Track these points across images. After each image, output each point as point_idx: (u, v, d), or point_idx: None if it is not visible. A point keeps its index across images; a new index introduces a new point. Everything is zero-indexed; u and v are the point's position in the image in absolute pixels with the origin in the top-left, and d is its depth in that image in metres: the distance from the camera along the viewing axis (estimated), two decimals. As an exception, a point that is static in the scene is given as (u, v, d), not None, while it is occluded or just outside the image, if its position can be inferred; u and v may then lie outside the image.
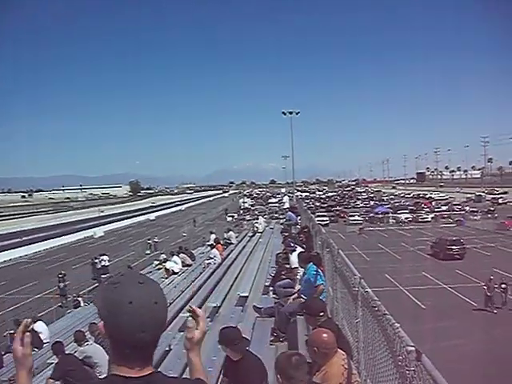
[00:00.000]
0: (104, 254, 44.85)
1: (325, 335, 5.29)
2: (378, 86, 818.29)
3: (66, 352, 10.92)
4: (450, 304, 31.28)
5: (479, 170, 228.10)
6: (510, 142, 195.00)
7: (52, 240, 73.19)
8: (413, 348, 3.88)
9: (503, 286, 30.92)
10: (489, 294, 30.31)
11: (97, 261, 43.45)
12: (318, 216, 73.21)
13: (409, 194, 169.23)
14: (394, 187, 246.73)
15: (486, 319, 28.14)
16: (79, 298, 29.14)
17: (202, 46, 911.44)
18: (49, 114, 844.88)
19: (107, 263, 43.74)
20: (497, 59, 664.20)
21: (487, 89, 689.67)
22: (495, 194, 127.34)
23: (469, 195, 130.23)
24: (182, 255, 28.90)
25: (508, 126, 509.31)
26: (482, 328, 26.31)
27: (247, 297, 15.17)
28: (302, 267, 11.44)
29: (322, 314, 6.89)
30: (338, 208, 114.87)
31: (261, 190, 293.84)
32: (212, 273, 22.14)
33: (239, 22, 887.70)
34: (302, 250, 13.77)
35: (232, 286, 17.92)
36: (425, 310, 30.32)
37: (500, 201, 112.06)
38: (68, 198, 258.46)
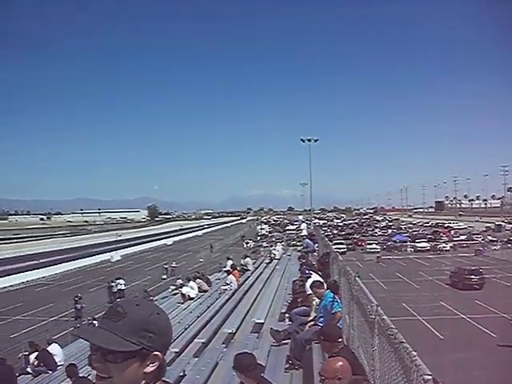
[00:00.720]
0: (120, 278, 45.13)
1: (339, 363, 5.22)
2: (396, 113, 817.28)
3: (80, 375, 10.89)
4: (469, 335, 30.87)
5: (499, 199, 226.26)
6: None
7: (69, 263, 73.38)
8: (430, 377, 3.82)
9: None
10: None
11: (113, 284, 43.66)
12: (336, 243, 72.78)
13: (427, 223, 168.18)
14: (410, 216, 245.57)
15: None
16: (94, 322, 29.08)
17: (221, 72, 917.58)
18: (68, 137, 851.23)
19: (123, 287, 43.94)
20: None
21: (507, 117, 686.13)
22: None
23: (488, 224, 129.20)
24: (198, 281, 28.82)
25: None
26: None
27: (263, 323, 15.10)
28: (315, 294, 11.40)
29: (339, 340, 6.82)
30: (355, 236, 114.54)
31: (278, 216, 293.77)
32: (228, 299, 22.10)
33: (256, 44, 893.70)
34: (319, 277, 13.71)
35: (248, 312, 17.87)
36: (443, 340, 29.92)
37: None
38: (86, 222, 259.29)
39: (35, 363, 16.40)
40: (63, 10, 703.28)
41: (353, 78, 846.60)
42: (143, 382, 1.98)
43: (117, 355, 1.91)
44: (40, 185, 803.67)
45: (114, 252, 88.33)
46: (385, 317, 5.87)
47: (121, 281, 44.80)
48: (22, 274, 61.02)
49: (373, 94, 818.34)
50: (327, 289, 10.77)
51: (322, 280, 12.83)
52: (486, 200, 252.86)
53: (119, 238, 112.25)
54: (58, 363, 16.32)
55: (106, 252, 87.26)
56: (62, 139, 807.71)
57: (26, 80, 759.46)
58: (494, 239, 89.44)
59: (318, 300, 11.24)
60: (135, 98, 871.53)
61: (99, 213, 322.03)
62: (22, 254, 73.20)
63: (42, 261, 68.85)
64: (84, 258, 79.35)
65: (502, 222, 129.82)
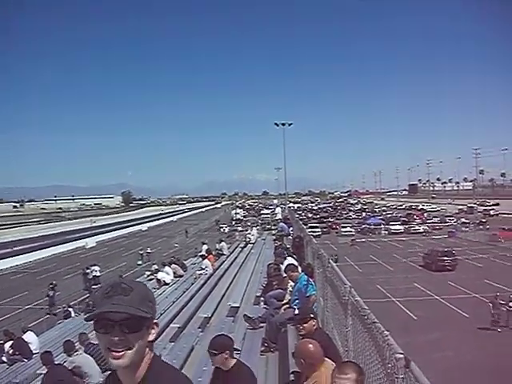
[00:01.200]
0: (95, 265, 44.83)
1: (310, 346, 5.27)
2: (369, 97, 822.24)
3: (56, 362, 10.85)
4: (441, 315, 31.24)
5: (471, 181, 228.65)
6: (502, 153, 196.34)
7: (43, 250, 72.65)
8: (401, 355, 3.87)
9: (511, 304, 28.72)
10: (493, 312, 28.35)
11: (88, 271, 43.34)
12: (310, 227, 73.20)
13: (401, 206, 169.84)
14: (383, 199, 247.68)
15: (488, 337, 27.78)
16: (70, 309, 28.91)
17: (194, 57, 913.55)
18: (41, 124, 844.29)
19: (98, 274, 43.65)
20: (489, 72, 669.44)
21: (479, 101, 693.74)
22: (487, 206, 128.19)
23: (460, 207, 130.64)
24: (173, 266, 28.76)
25: (499, 137, 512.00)
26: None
27: (238, 307, 15.16)
28: (289, 277, 11.46)
29: (314, 322, 6.87)
30: (330, 219, 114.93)
31: (253, 201, 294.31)
32: (203, 283, 22.13)
33: (230, 34, 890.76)
34: (293, 260, 13.78)
35: (223, 296, 17.92)
36: (416, 321, 30.26)
37: (491, 212, 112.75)
38: (60, 209, 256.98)
39: (10, 352, 16.26)
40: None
41: (327, 62, 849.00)
42: (147, 349, 2.20)
43: (137, 324, 2.10)
44: (13, 172, 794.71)
45: (89, 238, 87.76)
46: (358, 298, 5.93)
47: (96, 267, 44.52)
48: (-4, 262, 60.46)
49: (347, 78, 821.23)
50: (302, 272, 10.81)
51: (297, 263, 12.89)
52: (458, 182, 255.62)
53: (94, 225, 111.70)
54: (34, 351, 16.19)
55: (80, 239, 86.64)
56: (35, 126, 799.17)
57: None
58: (467, 221, 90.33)
59: (292, 283, 11.30)
60: (109, 84, 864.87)
61: (73, 199, 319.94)
62: (-6, 242, 72.57)
63: (15, 248, 68.28)
64: (58, 245, 78.65)
65: (474, 204, 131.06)
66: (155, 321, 2.22)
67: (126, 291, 2.11)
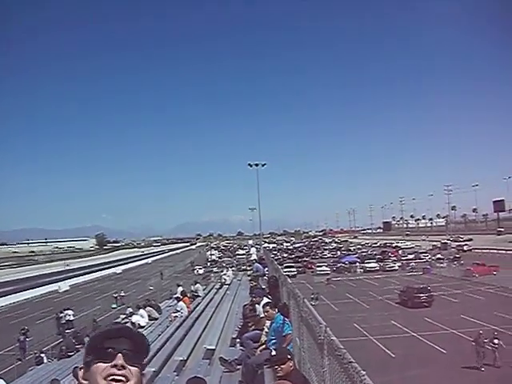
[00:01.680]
0: (69, 309, 44.30)
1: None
2: (342, 136, 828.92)
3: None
4: (419, 352, 31.21)
5: (444, 217, 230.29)
6: (473, 189, 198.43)
7: (15, 294, 71.44)
8: (378, 396, 3.84)
9: (495, 341, 28.53)
10: (478, 350, 28.04)
11: (62, 315, 42.79)
12: (286, 267, 73.38)
13: (376, 243, 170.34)
14: (356, 237, 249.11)
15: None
16: (42, 355, 28.36)
17: (168, 99, 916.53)
18: (12, 165, 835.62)
19: (72, 318, 43.13)
20: (459, 108, 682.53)
21: (449, 137, 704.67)
22: (460, 241, 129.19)
23: (434, 243, 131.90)
24: (148, 308, 28.51)
25: (470, 174, 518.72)
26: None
27: (214, 349, 15.02)
28: (266, 314, 11.36)
29: (290, 363, 6.80)
30: (305, 259, 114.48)
31: (228, 242, 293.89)
32: (178, 326, 21.91)
33: (206, 69, 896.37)
34: (268, 300, 13.71)
35: (199, 338, 17.76)
36: (394, 358, 30.17)
37: (465, 248, 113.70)
38: (33, 252, 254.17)
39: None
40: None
41: (297, 101, 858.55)
42: None
43: (138, 358, 2.16)
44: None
45: (62, 282, 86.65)
46: (334, 337, 5.89)
47: (69, 311, 43.96)
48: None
49: (317, 117, 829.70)
50: (278, 312, 10.76)
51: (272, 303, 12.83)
52: (431, 219, 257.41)
53: (67, 268, 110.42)
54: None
55: (53, 282, 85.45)
56: (5, 167, 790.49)
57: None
58: (441, 257, 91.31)
59: (268, 323, 11.21)
60: (81, 124, 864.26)
61: (46, 243, 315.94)
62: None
63: (-14, 293, 67.08)
64: (31, 289, 77.34)
65: (448, 240, 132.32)
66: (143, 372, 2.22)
67: (130, 329, 2.22)
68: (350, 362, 4.86)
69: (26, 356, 32.43)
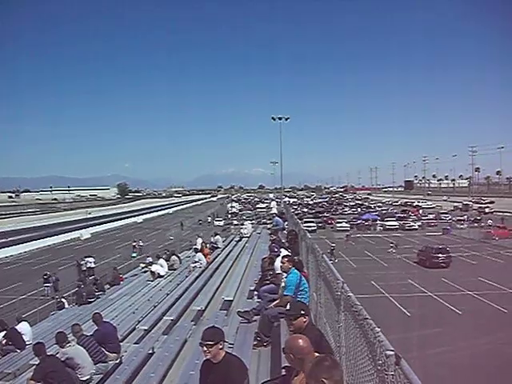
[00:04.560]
0: (90, 256, 44.84)
1: (300, 341, 5.24)
2: (368, 94, 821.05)
3: (48, 353, 10.83)
4: (435, 312, 31.30)
5: (466, 179, 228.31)
6: (498, 151, 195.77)
7: (38, 241, 72.62)
8: (392, 352, 3.86)
9: None
10: None
11: (82, 263, 43.41)
12: (306, 222, 73.45)
13: (396, 202, 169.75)
14: (379, 194, 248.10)
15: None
16: (63, 300, 28.85)
17: (193, 52, 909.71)
18: (40, 116, 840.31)
19: (93, 265, 43.72)
20: (486, 71, 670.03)
21: (476, 99, 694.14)
22: (482, 203, 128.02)
23: (456, 204, 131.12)
24: (170, 258, 28.79)
25: (495, 136, 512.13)
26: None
27: (232, 301, 15.15)
28: (282, 265, 11.37)
29: (303, 319, 6.83)
30: (325, 214, 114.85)
31: (249, 195, 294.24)
32: (197, 276, 22.12)
33: (228, 28, 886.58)
34: (288, 253, 13.75)
35: (217, 290, 17.92)
36: (410, 317, 30.29)
37: (486, 210, 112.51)
38: (55, 199, 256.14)
39: (3, 342, 16.19)
40: None
41: (325, 59, 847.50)
42: None
43: None
44: (10, 162, 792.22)
45: (84, 230, 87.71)
46: (350, 293, 5.92)
47: (90, 259, 44.57)
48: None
49: (345, 74, 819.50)
50: (293, 266, 10.78)
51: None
52: (454, 180, 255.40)
53: (89, 216, 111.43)
54: (27, 342, 16.12)
55: (75, 230, 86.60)
56: (33, 117, 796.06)
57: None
58: (462, 218, 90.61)
59: (285, 275, 11.24)
60: (107, 78, 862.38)
61: (69, 191, 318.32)
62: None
63: (10, 239, 68.07)
64: (53, 236, 78.49)
65: (470, 201, 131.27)
66: None
67: None
68: (365, 319, 4.88)
69: (58, 295, 33.07)
